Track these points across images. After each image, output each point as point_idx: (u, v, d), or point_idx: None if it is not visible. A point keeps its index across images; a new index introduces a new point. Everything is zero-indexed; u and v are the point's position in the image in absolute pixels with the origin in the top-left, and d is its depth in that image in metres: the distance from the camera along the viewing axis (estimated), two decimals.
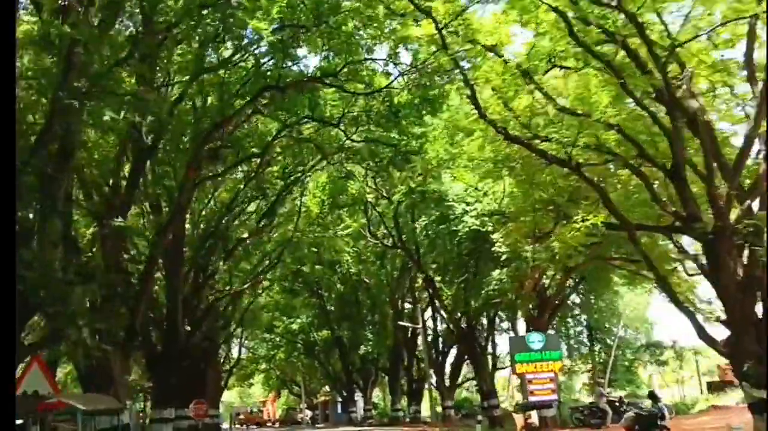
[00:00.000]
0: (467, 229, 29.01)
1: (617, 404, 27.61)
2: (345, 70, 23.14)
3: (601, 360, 49.85)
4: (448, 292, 38.07)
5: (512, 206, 24.00)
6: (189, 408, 34.12)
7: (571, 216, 20.58)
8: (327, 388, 72.53)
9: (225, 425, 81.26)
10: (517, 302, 31.60)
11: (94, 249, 20.54)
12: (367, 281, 49.53)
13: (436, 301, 40.27)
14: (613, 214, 17.67)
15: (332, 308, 59.11)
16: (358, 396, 63.22)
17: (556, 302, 32.04)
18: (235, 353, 65.07)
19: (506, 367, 47.87)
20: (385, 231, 42.49)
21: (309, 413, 75.13)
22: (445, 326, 48.49)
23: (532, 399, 28.81)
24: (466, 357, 45.61)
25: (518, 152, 21.01)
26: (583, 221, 18.61)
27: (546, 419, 28.78)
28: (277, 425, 71.40)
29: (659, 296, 33.65)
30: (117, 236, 19.15)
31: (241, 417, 79.88)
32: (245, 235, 30.15)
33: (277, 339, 62.92)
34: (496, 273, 28.81)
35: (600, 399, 26.90)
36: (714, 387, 37.43)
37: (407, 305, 50.96)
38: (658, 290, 32.45)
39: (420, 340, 51.67)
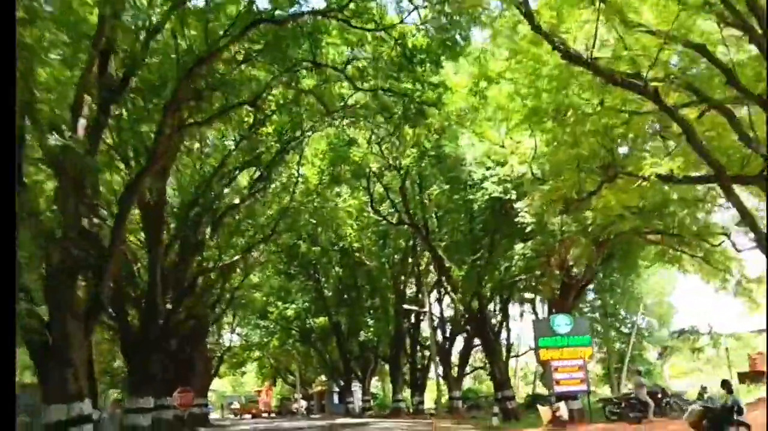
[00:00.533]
0: (486, 197, 25.53)
1: (659, 395, 24.25)
2: (351, 5, 19.66)
3: (616, 349, 46.57)
4: (458, 272, 34.65)
5: (548, 164, 20.51)
6: (173, 396, 30.83)
7: (626, 170, 17.14)
8: (323, 377, 69.06)
9: (214, 415, 78.24)
10: (540, 282, 28.18)
11: (54, 207, 16.94)
12: (368, 262, 46.00)
13: (445, 282, 36.84)
14: (704, 156, 14.13)
15: (329, 293, 55.77)
16: (356, 386, 59.90)
17: (582, 282, 28.60)
18: (226, 339, 61.97)
19: (520, 354, 44.76)
20: (389, 208, 39.10)
21: (304, 403, 71.62)
22: (452, 310, 45.22)
23: (558, 389, 25.48)
24: (475, 344, 42.39)
25: (558, 98, 17.61)
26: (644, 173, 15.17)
27: (573, 412, 25.44)
28: (272, 415, 67.79)
29: (688, 279, 30.28)
30: (76, 189, 15.59)
31: (236, 406, 76.52)
32: (236, 201, 26.52)
33: (271, 326, 59.31)
34: (519, 248, 25.36)
35: (639, 390, 23.46)
36: (746, 378, 34.04)
37: (410, 289, 47.59)
38: (692, 269, 29.44)
39: (424, 326, 48.34)
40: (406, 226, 36.74)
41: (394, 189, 36.30)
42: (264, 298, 57.61)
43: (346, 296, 53.85)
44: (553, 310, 28.53)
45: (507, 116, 20.64)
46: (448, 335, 41.86)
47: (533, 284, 31.00)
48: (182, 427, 32.28)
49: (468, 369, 44.85)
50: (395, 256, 44.04)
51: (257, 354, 70.39)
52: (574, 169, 18.25)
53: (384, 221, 39.88)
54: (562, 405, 24.19)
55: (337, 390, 63.45)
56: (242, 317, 60.75)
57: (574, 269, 27.87)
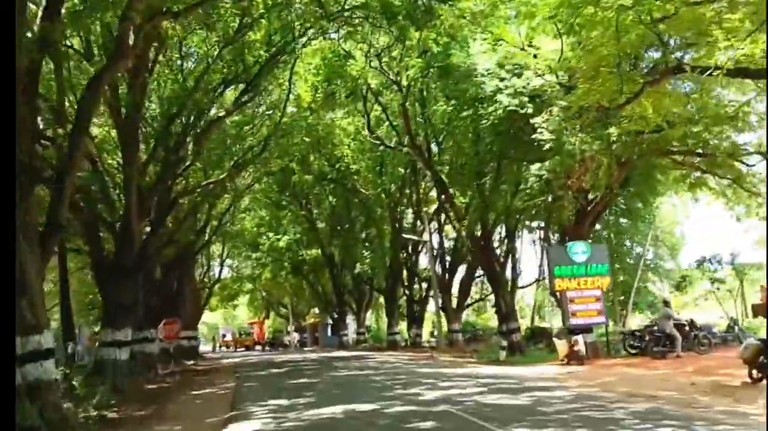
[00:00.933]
0: (500, 111, 22.84)
1: (686, 328, 22.18)
2: None
3: (620, 280, 44.64)
4: (462, 199, 32.29)
5: (581, 65, 17.77)
6: (158, 328, 28.75)
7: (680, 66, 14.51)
8: (316, 310, 67.39)
9: (206, 348, 76.92)
10: (556, 207, 25.78)
11: None
12: (364, 190, 43.49)
13: (449, 209, 34.51)
14: None
15: (322, 224, 53.52)
16: (350, 319, 58.32)
17: (598, 208, 26.20)
18: (217, 272, 59.95)
19: (526, 286, 42.87)
20: (388, 131, 36.45)
21: (297, 336, 70.07)
22: (452, 241, 43.08)
23: (574, 321, 23.45)
24: (477, 275, 40.41)
25: None
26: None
27: (586, 345, 23.43)
28: (266, 348, 66.22)
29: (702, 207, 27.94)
30: (31, 84, 12.86)
31: (228, 339, 75.25)
32: (222, 113, 23.66)
33: (263, 257, 57.05)
34: (535, 168, 22.80)
35: (665, 323, 21.35)
36: (759, 311, 32.11)
37: (408, 219, 45.33)
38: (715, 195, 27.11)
39: (422, 257, 46.32)
40: (405, 149, 34.15)
41: (393, 109, 33.56)
42: (254, 228, 55.44)
43: (339, 227, 51.67)
44: (566, 238, 26.26)
45: (530, 13, 17.79)
46: (447, 266, 39.68)
47: (543, 210, 28.60)
48: (169, 360, 30.37)
49: (468, 301, 42.87)
50: (393, 184, 41.51)
51: (249, 286, 68.90)
52: (614, 69, 15.56)
53: (381, 146, 37.31)
54: (579, 338, 22.14)
55: (330, 322, 61.86)
56: (232, 248, 58.68)
57: (591, 194, 25.48)
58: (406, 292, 44.27)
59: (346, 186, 44.60)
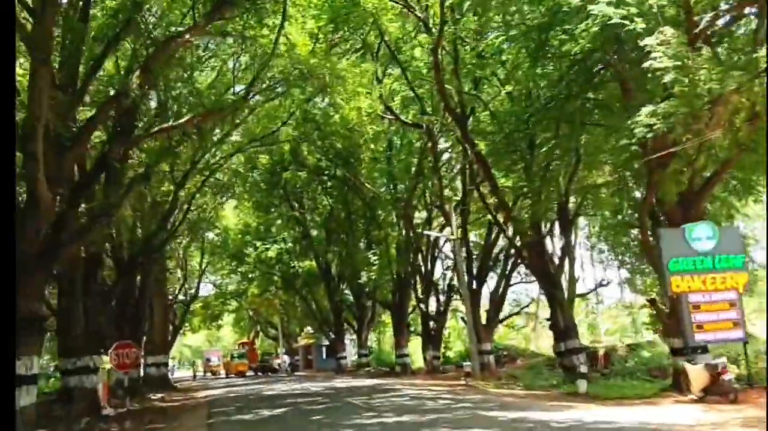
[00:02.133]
0: (597, 27, 15.39)
1: None
2: None
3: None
4: (505, 182, 24.96)
5: None
6: (108, 354, 20.96)
7: None
8: (309, 330, 59.26)
9: (185, 374, 68.23)
10: (664, 176, 18.19)
11: None
12: (368, 185, 35.95)
13: (488, 197, 27.06)
14: None
15: (317, 231, 45.88)
16: (348, 339, 50.58)
17: (717, 178, 18.67)
18: (203, 291, 52.29)
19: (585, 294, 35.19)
20: (404, 100, 29.07)
21: (287, 359, 61.34)
22: (476, 237, 35.50)
23: (700, 337, 15.94)
24: (513, 281, 32.84)
25: None
26: None
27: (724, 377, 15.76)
28: (258, 374, 57.43)
29: None
30: None
31: (214, 363, 66.76)
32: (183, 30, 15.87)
33: (249, 270, 49.09)
34: (645, 112, 15.25)
35: None
36: None
37: (420, 216, 37.72)
38: None
39: (439, 265, 38.75)
40: (428, 122, 26.80)
41: (414, 67, 26.14)
42: (239, 236, 47.62)
43: (337, 232, 44.00)
44: (666, 223, 18.77)
45: None
46: (475, 273, 31.91)
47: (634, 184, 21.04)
48: (132, 393, 22.63)
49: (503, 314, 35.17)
50: (406, 173, 34.01)
51: (234, 304, 60.94)
52: None
53: (393, 123, 29.92)
54: (722, 362, 14.58)
55: (326, 343, 53.82)
56: (214, 260, 50.73)
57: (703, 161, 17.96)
58: (421, 306, 36.46)
59: (347, 180, 37.01)
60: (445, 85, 22.55)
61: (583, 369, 19.61)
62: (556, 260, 25.43)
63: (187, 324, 60.01)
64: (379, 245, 40.09)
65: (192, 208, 32.88)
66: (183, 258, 38.56)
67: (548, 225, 26.72)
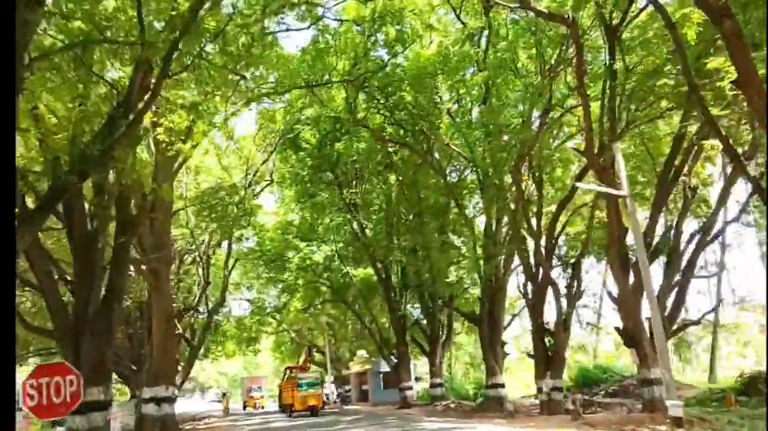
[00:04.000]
0: None
1: None
2: None
3: None
4: None
5: None
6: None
7: None
8: (363, 354, 48.14)
9: (211, 407, 55.78)
10: None
11: None
12: (453, 146, 25.34)
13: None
14: None
15: (372, 227, 35.28)
16: (421, 363, 39.59)
17: None
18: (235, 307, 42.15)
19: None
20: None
21: (334, 389, 50.04)
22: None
23: None
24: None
25: None
26: None
27: None
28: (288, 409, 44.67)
29: None
30: None
31: (257, 394, 54.01)
32: None
33: (291, 279, 38.56)
34: None
35: None
36: None
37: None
38: None
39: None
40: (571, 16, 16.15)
41: None
42: (278, 235, 37.26)
43: (401, 224, 33.41)
44: None
45: None
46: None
47: None
48: None
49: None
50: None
51: (273, 325, 50.31)
52: None
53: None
54: None
55: (385, 369, 42.68)
56: (246, 268, 40.45)
57: None
58: (533, 315, 25.26)
59: (423, 145, 26.49)
60: None
61: None
62: None
63: (219, 348, 49.98)
64: (460, 234, 29.41)
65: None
66: (204, 256, 28.16)
67: None
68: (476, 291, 30.66)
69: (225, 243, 30.74)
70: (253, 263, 39.43)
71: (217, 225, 23.99)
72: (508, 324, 30.39)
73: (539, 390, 24.83)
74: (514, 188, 23.66)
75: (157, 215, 19.34)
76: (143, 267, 19.76)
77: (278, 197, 38.41)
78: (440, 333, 35.31)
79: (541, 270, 24.37)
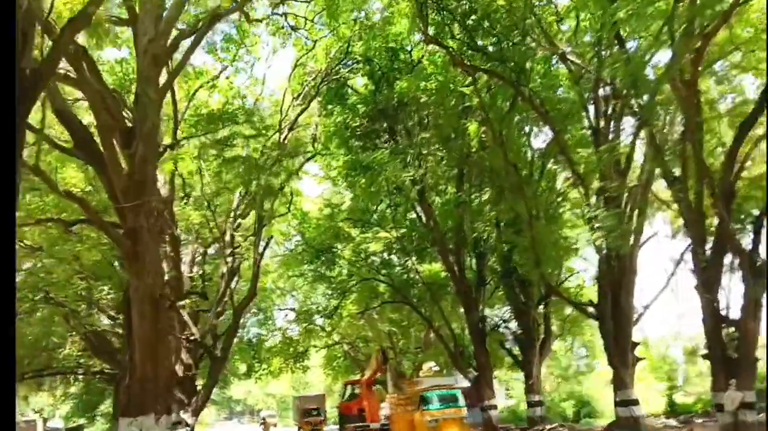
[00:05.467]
0: None
1: None
2: None
3: None
4: None
5: None
6: None
7: None
8: (432, 365, 39.33)
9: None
10: None
11: None
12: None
13: None
14: None
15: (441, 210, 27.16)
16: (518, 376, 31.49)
17: None
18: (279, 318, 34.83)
19: None
20: None
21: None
22: None
23: None
24: None
25: None
26: None
27: None
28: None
29: None
30: None
31: (315, 416, 39.84)
32: None
33: (344, 275, 30.76)
34: None
35: None
36: None
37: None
38: None
39: None
40: None
41: None
42: (326, 218, 29.58)
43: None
44: None
45: None
46: None
47: None
48: None
49: None
50: None
51: (322, 337, 42.48)
52: None
53: None
54: None
55: (461, 384, 34.10)
56: (287, 265, 32.73)
57: None
58: (711, 301, 16.71)
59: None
60: None
61: None
62: None
63: (264, 366, 42.48)
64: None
65: None
66: (224, 228, 20.52)
67: None
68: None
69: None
70: (295, 257, 31.83)
71: (240, 178, 16.47)
72: (638, 319, 21.98)
73: (718, 407, 16.31)
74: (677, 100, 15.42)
75: (138, 146, 11.89)
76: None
77: (323, 175, 30.73)
78: (536, 336, 27.01)
79: (716, 227, 16.02)
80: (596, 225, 18.61)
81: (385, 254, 30.53)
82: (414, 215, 28.67)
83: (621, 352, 20.54)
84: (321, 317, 36.06)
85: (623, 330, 20.66)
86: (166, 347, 12.64)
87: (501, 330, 29.94)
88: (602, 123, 20.45)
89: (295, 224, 30.75)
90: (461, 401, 21.75)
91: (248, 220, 23.06)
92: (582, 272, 27.72)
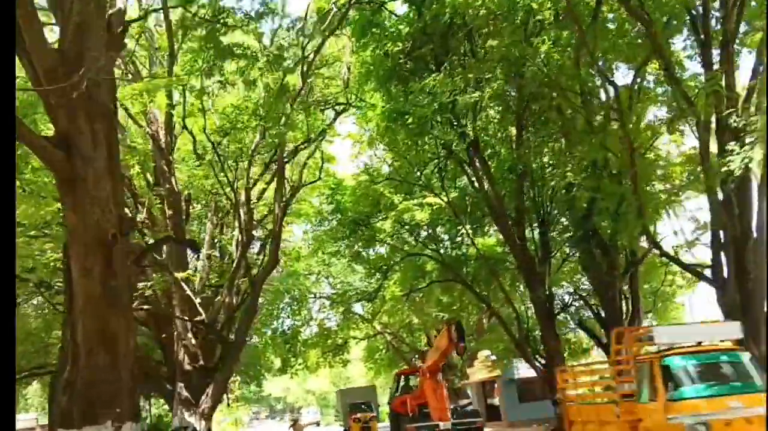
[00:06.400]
0: None
1: None
2: None
3: None
4: None
5: None
6: None
7: None
8: (489, 354, 34.33)
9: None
10: None
11: None
12: None
13: None
14: None
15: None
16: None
17: None
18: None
19: None
20: None
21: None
22: None
23: None
24: None
25: None
26: None
27: None
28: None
29: None
30: None
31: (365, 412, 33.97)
32: None
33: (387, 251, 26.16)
34: None
35: None
36: None
37: None
38: None
39: None
40: None
41: None
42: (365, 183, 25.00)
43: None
44: None
45: None
46: None
47: None
48: None
49: None
50: None
51: (361, 328, 38.43)
52: None
53: None
54: None
55: (522, 375, 29.26)
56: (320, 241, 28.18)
57: None
58: None
59: None
60: None
61: None
62: None
63: (300, 361, 38.55)
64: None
65: None
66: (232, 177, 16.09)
67: None
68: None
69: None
70: (330, 234, 27.33)
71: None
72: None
73: None
74: None
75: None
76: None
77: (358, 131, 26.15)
78: (617, 310, 21.97)
79: None
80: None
81: (435, 222, 25.83)
82: (465, 181, 23.95)
83: (752, 326, 15.58)
84: (360, 302, 31.48)
85: (753, 297, 15.74)
86: (127, 319, 8.14)
87: (573, 308, 25.00)
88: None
89: (327, 194, 26.49)
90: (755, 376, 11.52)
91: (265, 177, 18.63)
92: (678, 230, 22.62)
